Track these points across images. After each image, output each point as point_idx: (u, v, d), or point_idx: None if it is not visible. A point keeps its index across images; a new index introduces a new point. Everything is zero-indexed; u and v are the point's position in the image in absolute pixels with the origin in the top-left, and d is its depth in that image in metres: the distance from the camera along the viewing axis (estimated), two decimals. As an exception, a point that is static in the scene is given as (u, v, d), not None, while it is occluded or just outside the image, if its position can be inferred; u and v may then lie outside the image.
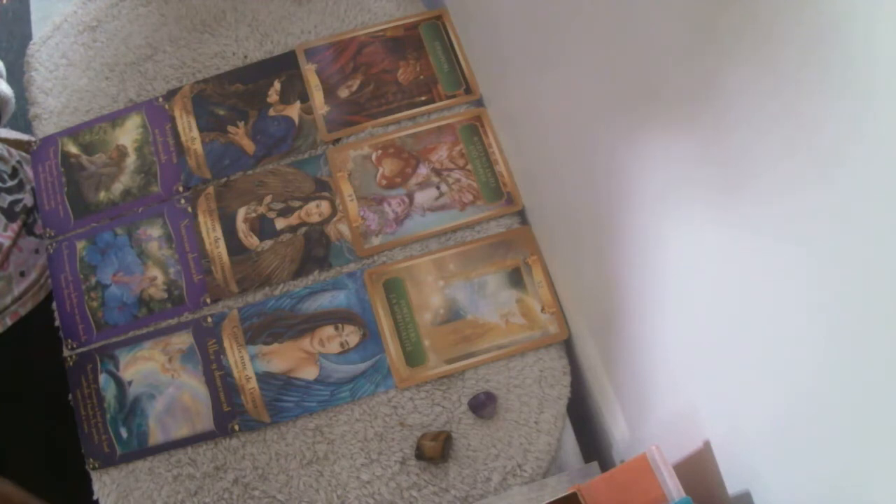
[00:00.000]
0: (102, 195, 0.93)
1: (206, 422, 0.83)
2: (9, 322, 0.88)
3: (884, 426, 0.37)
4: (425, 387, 0.83)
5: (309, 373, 0.84)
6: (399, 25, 0.99)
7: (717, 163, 0.46)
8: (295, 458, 0.81)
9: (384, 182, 0.92)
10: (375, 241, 0.89)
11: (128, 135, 0.96)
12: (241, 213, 0.91)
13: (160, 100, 0.97)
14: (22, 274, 0.90)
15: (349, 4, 1.01)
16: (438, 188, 0.91)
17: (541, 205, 0.87)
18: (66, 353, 0.88)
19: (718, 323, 0.52)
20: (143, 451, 0.83)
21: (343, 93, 0.96)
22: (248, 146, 0.94)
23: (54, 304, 0.90)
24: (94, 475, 0.83)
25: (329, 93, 0.96)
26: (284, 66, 0.98)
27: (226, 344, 0.86)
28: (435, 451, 0.78)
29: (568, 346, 0.86)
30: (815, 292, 0.40)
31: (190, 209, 0.91)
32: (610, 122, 0.61)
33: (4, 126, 0.96)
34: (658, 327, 0.63)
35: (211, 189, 0.92)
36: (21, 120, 1.06)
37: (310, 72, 0.97)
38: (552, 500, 0.59)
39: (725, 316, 0.51)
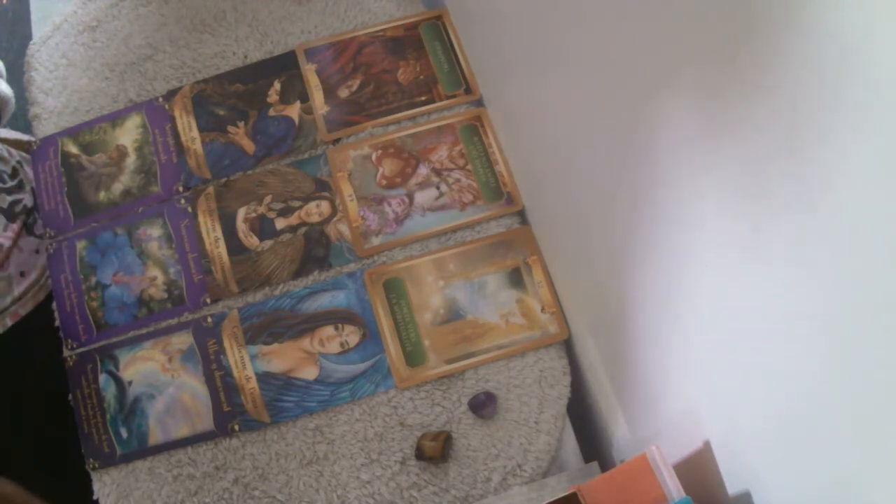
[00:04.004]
0: (102, 195, 0.93)
1: (206, 422, 0.83)
2: (9, 322, 0.88)
3: (883, 426, 0.37)
4: (425, 387, 0.83)
5: (309, 373, 0.84)
6: (399, 25, 0.99)
7: (718, 163, 0.46)
8: (295, 458, 0.81)
9: (384, 182, 0.92)
10: (375, 241, 0.89)
11: (128, 135, 0.96)
12: (241, 213, 0.91)
13: (160, 100, 0.97)
14: (22, 274, 0.90)
15: (349, 4, 1.01)
16: (438, 188, 0.91)
17: (541, 205, 0.87)
18: (66, 353, 0.88)
19: (718, 323, 0.52)
20: (143, 451, 0.83)
21: (343, 93, 0.96)
22: (248, 146, 0.94)
23: (54, 304, 0.90)
24: (94, 475, 0.83)
25: (329, 93, 0.96)
26: (284, 66, 0.98)
27: (226, 344, 0.86)
28: (435, 451, 0.78)
29: (568, 346, 0.86)
30: (815, 292, 0.40)
31: (190, 209, 0.91)
32: (610, 122, 0.61)
33: (4, 126, 0.96)
34: (658, 327, 0.63)
35: (211, 189, 0.92)
36: (21, 120, 1.06)
37: (310, 72, 0.97)
38: (552, 500, 0.59)
39: (725, 316, 0.51)
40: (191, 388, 0.85)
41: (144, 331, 0.88)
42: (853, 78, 0.33)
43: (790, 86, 0.37)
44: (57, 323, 0.89)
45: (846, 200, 0.35)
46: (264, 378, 0.84)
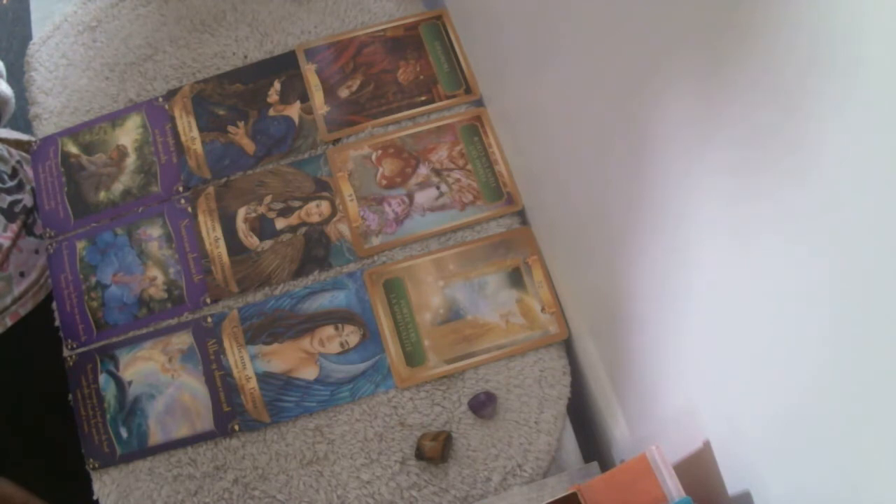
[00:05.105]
0: (102, 195, 0.93)
1: (206, 422, 0.83)
2: (9, 322, 0.88)
3: (884, 425, 0.37)
4: (425, 387, 0.83)
5: (309, 373, 0.84)
6: (399, 25, 0.99)
7: (718, 163, 0.46)
8: (295, 458, 0.81)
9: (384, 182, 0.92)
10: (375, 241, 0.89)
11: (128, 135, 0.96)
12: (242, 213, 0.91)
13: (160, 100, 0.97)
14: (22, 274, 0.90)
15: (349, 4, 1.01)
16: (438, 188, 0.91)
17: (541, 205, 0.87)
18: (66, 353, 0.88)
19: (718, 322, 0.52)
20: (143, 451, 0.83)
21: (343, 93, 0.96)
22: (249, 146, 0.94)
23: (54, 304, 0.90)
24: (94, 475, 0.83)
25: (329, 93, 0.96)
26: (284, 66, 0.98)
27: (226, 344, 0.86)
28: (435, 451, 0.78)
29: (568, 346, 0.86)
30: (816, 291, 0.40)
31: (190, 209, 0.91)
32: (609, 121, 0.61)
33: (4, 126, 0.96)
34: (658, 327, 0.63)
35: (211, 189, 0.92)
36: (21, 120, 1.06)
37: (310, 72, 0.97)
38: (552, 500, 0.59)
39: (725, 315, 0.51)
40: (191, 388, 0.85)
41: (144, 331, 0.87)
42: (838, 57, 0.33)
43: (777, 68, 0.37)
44: (57, 323, 0.89)
45: (845, 200, 0.35)
46: (264, 378, 0.84)
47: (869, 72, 0.32)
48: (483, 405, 0.81)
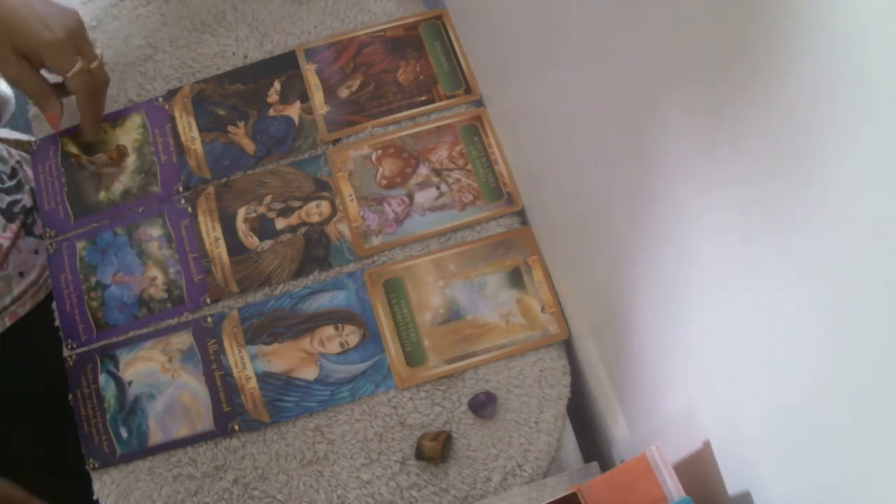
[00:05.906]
0: (102, 195, 0.93)
1: (206, 422, 0.83)
2: (8, 322, 0.88)
3: (884, 425, 0.37)
4: (425, 387, 0.83)
5: (309, 373, 0.84)
6: (399, 25, 0.99)
7: (720, 162, 0.46)
8: (295, 458, 0.81)
9: (384, 182, 0.92)
10: (375, 241, 0.89)
11: (128, 135, 0.96)
12: (242, 213, 0.91)
13: (160, 100, 0.97)
14: (21, 274, 0.90)
15: (349, 4, 1.01)
16: (438, 188, 0.91)
17: (541, 205, 0.87)
18: (66, 353, 0.88)
19: (719, 322, 0.52)
20: (143, 451, 0.83)
21: (343, 93, 0.96)
22: (249, 146, 0.94)
23: (54, 304, 0.90)
24: (94, 475, 0.83)
25: (329, 93, 0.96)
26: (284, 66, 0.98)
27: (226, 344, 0.86)
28: (435, 451, 0.78)
29: (568, 346, 0.86)
30: (817, 291, 0.40)
31: (190, 209, 0.91)
32: (610, 123, 0.61)
33: (4, 126, 0.96)
34: (658, 327, 0.63)
35: (211, 189, 0.92)
36: (21, 120, 1.06)
37: (310, 72, 0.97)
38: (552, 500, 0.59)
39: (726, 315, 0.51)
40: (191, 388, 0.84)
41: (144, 331, 0.87)
42: (848, 88, 0.33)
43: (788, 97, 0.37)
44: (57, 323, 0.89)
45: (843, 205, 0.36)
46: (264, 378, 0.84)
47: (875, 96, 0.32)
48: (483, 405, 0.81)
